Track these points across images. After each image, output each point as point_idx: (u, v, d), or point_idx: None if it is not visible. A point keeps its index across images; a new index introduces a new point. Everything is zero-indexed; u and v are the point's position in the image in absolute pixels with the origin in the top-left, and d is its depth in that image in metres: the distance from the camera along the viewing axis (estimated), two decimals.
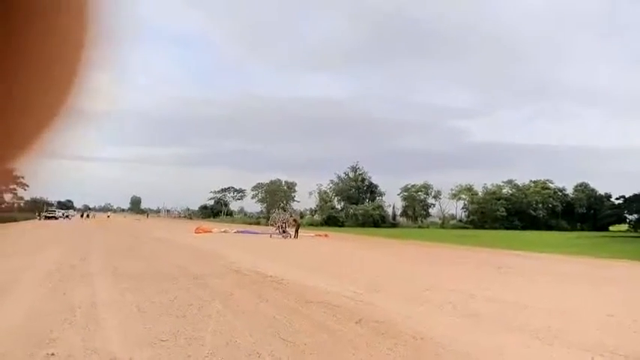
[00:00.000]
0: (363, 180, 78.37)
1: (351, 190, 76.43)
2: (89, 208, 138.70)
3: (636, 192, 48.93)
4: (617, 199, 57.61)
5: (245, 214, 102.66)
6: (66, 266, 12.57)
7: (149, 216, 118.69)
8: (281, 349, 5.25)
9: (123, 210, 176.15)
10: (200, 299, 8.09)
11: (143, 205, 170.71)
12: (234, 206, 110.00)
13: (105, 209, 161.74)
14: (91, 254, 16.36)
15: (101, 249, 18.89)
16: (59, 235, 28.96)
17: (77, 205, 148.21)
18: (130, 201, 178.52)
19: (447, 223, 78.35)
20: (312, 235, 36.59)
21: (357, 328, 6.29)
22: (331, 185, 79.22)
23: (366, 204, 72.63)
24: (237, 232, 37.29)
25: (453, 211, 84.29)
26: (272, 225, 37.60)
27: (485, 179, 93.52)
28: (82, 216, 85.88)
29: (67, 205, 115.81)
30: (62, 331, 5.90)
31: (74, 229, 38.62)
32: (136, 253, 17.52)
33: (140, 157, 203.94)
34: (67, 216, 75.82)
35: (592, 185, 78.82)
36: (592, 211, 74.40)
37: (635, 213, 49.01)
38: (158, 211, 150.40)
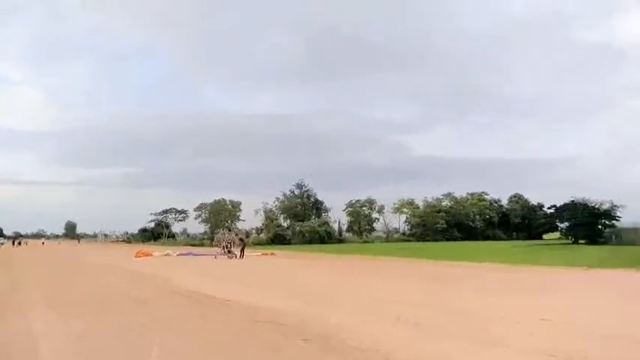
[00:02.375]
0: (308, 197, 78.67)
1: (297, 207, 76.44)
2: (20, 235, 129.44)
3: (566, 201, 52.26)
4: (549, 208, 61.01)
5: (188, 236, 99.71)
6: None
7: (80, 241, 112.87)
8: None
9: (57, 236, 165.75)
10: (142, 324, 7.78)
11: (79, 230, 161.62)
12: (176, 228, 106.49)
13: (38, 235, 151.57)
14: (26, 281, 15.32)
15: (38, 275, 17.73)
16: None
17: (7, 232, 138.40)
18: (64, 226, 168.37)
19: (390, 236, 79.95)
20: (258, 254, 36.17)
21: (305, 346, 6.28)
22: (277, 203, 78.89)
23: (313, 220, 72.76)
24: (180, 254, 36.11)
25: (396, 225, 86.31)
26: (216, 246, 36.74)
27: (427, 192, 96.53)
28: (12, 243, 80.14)
29: None
30: None
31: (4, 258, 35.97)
32: (74, 279, 16.62)
33: (75, 180, 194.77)
34: None
35: (525, 196, 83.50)
36: (526, 221, 78.55)
37: (566, 221, 52.18)
38: (95, 236, 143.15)
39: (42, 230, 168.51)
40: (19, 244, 79.82)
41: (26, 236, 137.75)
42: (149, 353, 5.92)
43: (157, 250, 42.30)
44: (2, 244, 79.76)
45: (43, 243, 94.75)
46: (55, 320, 8.44)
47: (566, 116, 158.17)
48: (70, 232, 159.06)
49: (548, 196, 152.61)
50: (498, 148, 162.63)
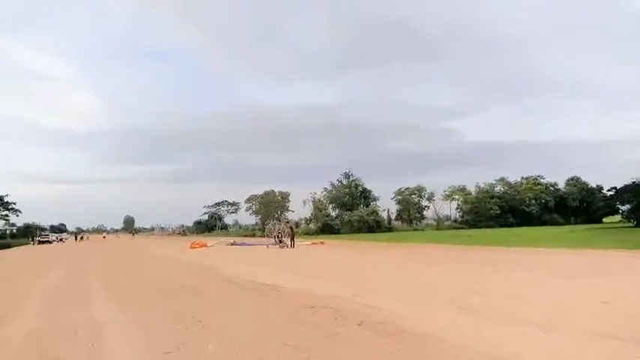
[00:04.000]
0: (356, 186, 78.30)
1: (344, 196, 76.30)
2: (82, 230, 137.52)
3: (627, 182, 49.40)
4: (608, 190, 57.99)
5: (240, 227, 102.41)
6: (65, 284, 12.52)
7: (135, 235, 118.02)
8: (286, 354, 5.28)
9: (116, 230, 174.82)
10: (201, 311, 8.09)
11: (137, 224, 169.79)
12: (228, 220, 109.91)
13: (98, 230, 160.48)
14: (88, 273, 16.31)
15: (101, 266, 18.82)
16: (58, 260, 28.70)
17: (70, 227, 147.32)
18: (123, 221, 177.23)
19: (442, 224, 78.45)
20: (308, 243, 36.58)
21: (359, 330, 6.34)
22: (325, 193, 79.12)
23: (361, 210, 72.46)
24: (234, 244, 37.20)
25: (447, 212, 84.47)
26: (268, 236, 37.51)
27: (477, 178, 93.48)
28: (75, 238, 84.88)
29: (60, 229, 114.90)
30: (66, 348, 5.91)
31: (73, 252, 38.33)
32: (134, 271, 17.46)
33: (131, 176, 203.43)
34: (60, 239, 75.25)
35: (583, 178, 79.46)
36: (585, 204, 74.78)
37: (627, 203, 49.28)
38: (152, 229, 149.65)
39: (102, 225, 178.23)
40: (82, 238, 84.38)
41: (87, 231, 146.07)
42: (208, 337, 6.17)
43: (211, 240, 43.66)
44: (67, 239, 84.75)
45: (104, 237, 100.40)
46: (115, 310, 8.93)
47: (623, 96, 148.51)
48: (129, 226, 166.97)
49: (607, 178, 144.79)
50: (553, 130, 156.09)
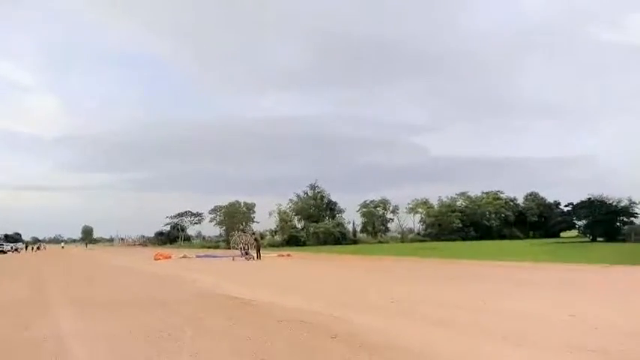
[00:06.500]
0: (322, 198, 78.65)
1: (310, 208, 76.48)
2: (38, 240, 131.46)
3: (583, 199, 51.71)
4: (565, 206, 60.57)
5: (203, 238, 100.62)
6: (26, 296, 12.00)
7: (88, 245, 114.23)
8: None
9: (74, 240, 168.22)
10: (170, 325, 7.92)
11: (96, 234, 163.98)
12: (191, 231, 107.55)
13: (55, 240, 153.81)
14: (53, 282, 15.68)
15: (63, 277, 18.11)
16: None
17: (25, 237, 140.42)
18: (81, 230, 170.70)
19: (405, 237, 79.62)
20: (274, 255, 36.37)
21: (333, 344, 6.36)
22: (291, 204, 79.08)
23: (327, 222, 72.80)
24: (198, 256, 36.58)
25: (411, 225, 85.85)
26: (234, 247, 37.03)
27: (441, 192, 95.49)
28: (26, 248, 79.69)
29: (15, 238, 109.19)
30: None
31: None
32: (100, 282, 16.93)
33: (92, 185, 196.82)
34: (15, 249, 71.49)
35: (541, 194, 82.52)
36: (543, 219, 77.63)
37: (584, 219, 51.66)
38: (111, 240, 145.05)
39: (59, 235, 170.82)
40: (37, 248, 79.98)
41: (44, 241, 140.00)
42: (179, 353, 6.06)
43: (174, 252, 42.74)
44: (21, 249, 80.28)
45: (62, 247, 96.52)
46: (81, 322, 8.64)
47: (581, 114, 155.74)
48: (87, 236, 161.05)
49: (564, 194, 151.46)
50: (513, 147, 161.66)
